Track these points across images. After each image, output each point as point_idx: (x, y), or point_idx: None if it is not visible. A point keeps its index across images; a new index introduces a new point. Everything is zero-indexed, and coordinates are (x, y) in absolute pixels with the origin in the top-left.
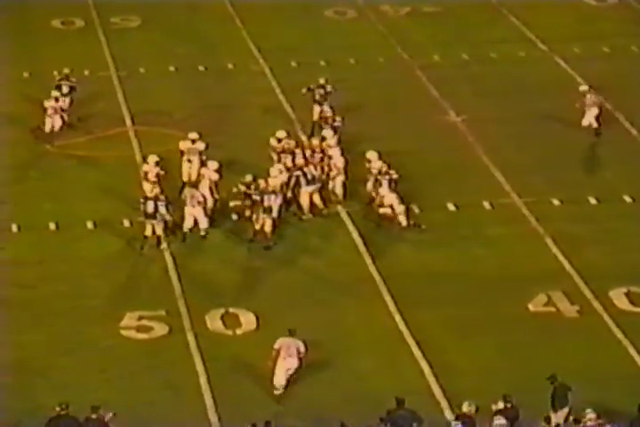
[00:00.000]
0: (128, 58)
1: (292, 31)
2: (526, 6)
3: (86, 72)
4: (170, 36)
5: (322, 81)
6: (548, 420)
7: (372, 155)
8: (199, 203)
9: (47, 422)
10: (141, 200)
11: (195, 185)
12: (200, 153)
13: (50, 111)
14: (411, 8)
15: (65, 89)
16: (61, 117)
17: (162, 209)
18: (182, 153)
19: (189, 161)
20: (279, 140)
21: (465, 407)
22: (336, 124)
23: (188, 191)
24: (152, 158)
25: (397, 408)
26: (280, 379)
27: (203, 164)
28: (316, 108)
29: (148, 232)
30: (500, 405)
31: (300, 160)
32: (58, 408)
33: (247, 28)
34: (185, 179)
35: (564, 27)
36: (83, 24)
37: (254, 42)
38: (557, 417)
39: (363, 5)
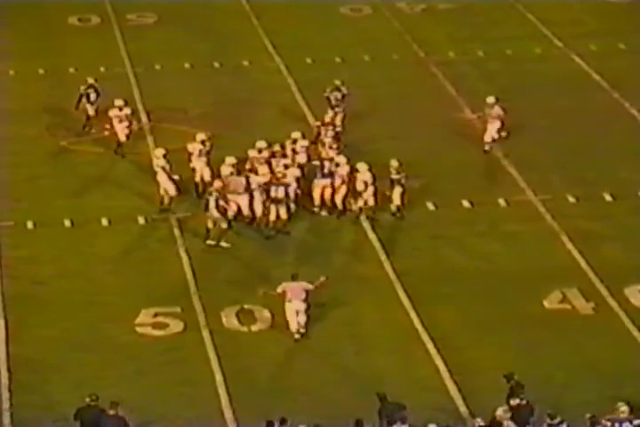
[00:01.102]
0: (144, 55)
1: (308, 28)
2: (542, 3)
3: (102, 69)
4: (185, 32)
5: (337, 82)
6: (551, 417)
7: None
8: (244, 190)
9: (76, 413)
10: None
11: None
12: (208, 153)
13: (115, 121)
14: (426, 5)
15: (92, 97)
16: (128, 126)
17: (211, 203)
18: (190, 154)
19: (194, 166)
20: (260, 151)
21: (499, 412)
22: (337, 129)
23: (231, 180)
24: (160, 151)
25: (383, 404)
26: (293, 325)
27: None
28: (330, 113)
29: (210, 225)
30: (516, 401)
31: (324, 154)
32: (88, 399)
33: (262, 24)
34: (197, 179)
35: (580, 23)
36: (99, 21)
37: (270, 39)
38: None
39: (378, 2)
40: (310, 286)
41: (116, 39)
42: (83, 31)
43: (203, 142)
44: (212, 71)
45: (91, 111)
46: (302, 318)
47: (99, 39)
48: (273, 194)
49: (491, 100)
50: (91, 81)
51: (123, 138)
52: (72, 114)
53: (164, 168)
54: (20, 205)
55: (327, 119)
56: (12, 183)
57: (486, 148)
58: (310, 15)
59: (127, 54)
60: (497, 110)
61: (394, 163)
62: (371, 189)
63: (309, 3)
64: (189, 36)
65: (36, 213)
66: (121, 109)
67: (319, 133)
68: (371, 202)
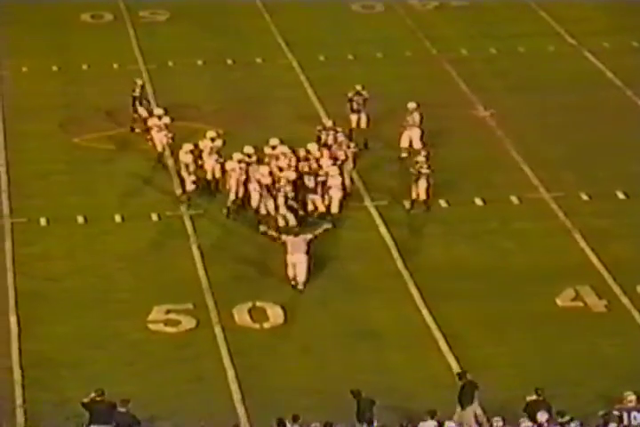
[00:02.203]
0: (157, 51)
1: (320, 25)
2: (555, 1)
3: (115, 66)
4: (198, 29)
5: (358, 87)
6: (561, 414)
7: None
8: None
9: (83, 405)
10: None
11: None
12: (219, 151)
13: (155, 129)
14: (439, 2)
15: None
16: (167, 135)
17: (280, 200)
18: (201, 152)
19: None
20: (249, 156)
21: (539, 416)
22: (338, 133)
23: (251, 170)
24: (187, 147)
25: (358, 400)
26: (290, 273)
27: (220, 161)
28: (354, 117)
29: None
30: (532, 398)
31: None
32: (93, 394)
33: (275, 21)
34: (209, 177)
35: (593, 21)
36: (112, 18)
37: (282, 36)
38: (463, 414)
39: (390, 0)
40: (310, 236)
41: (128, 36)
42: (95, 28)
43: (212, 140)
44: (225, 68)
45: (144, 113)
46: (302, 270)
47: (111, 36)
48: (306, 182)
49: (412, 105)
50: (140, 82)
51: (160, 148)
52: (85, 111)
53: (187, 165)
54: (32, 202)
55: (328, 124)
56: (25, 180)
57: (403, 154)
58: (323, 12)
59: (140, 51)
60: (415, 117)
61: (420, 158)
62: (337, 194)
63: (322, 0)
64: (202, 34)
65: (49, 210)
66: (160, 118)
67: (319, 138)
68: (334, 208)
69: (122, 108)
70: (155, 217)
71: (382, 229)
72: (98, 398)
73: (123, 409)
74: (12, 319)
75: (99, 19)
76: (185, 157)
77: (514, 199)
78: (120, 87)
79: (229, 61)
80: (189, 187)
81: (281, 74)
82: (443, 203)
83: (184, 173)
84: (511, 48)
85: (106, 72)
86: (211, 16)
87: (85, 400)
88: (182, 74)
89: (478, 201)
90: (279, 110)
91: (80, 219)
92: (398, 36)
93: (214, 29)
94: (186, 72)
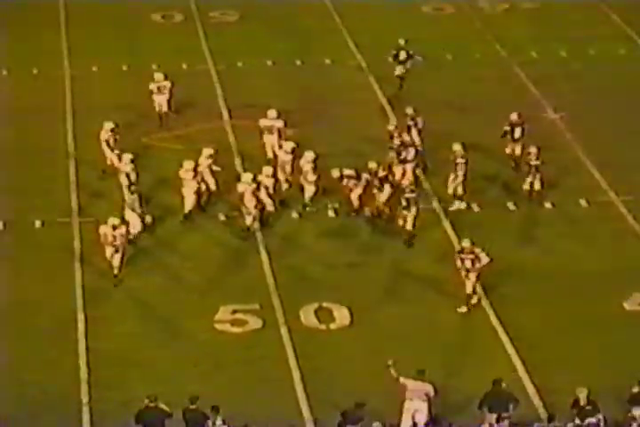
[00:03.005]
0: (226, 52)
1: (390, 26)
2: (626, 3)
3: (184, 66)
4: (268, 30)
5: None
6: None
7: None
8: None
9: (137, 415)
10: None
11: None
12: (279, 130)
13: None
14: (509, 5)
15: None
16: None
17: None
18: (261, 131)
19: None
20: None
21: (633, 411)
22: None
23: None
24: (207, 151)
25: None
26: (405, 423)
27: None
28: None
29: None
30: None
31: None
32: (146, 400)
33: (345, 23)
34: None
35: None
36: (182, 18)
37: (352, 37)
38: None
39: (461, 2)
40: (432, 394)
41: (198, 36)
42: (166, 28)
43: (210, 157)
44: (294, 69)
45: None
46: (417, 416)
47: (181, 36)
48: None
49: (410, 111)
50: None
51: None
52: (154, 110)
53: (183, 180)
54: (99, 202)
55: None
56: (93, 180)
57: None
58: (392, 14)
59: (209, 51)
60: (419, 121)
61: (456, 146)
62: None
63: (392, 2)
64: (271, 34)
65: (116, 210)
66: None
67: (391, 136)
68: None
69: (190, 107)
70: (222, 217)
71: (449, 230)
72: (150, 405)
73: (192, 407)
74: (80, 318)
75: (169, 19)
76: (185, 174)
77: (582, 202)
78: (189, 87)
79: (298, 62)
80: (213, 187)
81: (350, 75)
82: (511, 205)
83: (183, 190)
84: (581, 51)
85: (175, 72)
86: (280, 17)
87: (138, 410)
88: (251, 74)
89: (547, 204)
90: (348, 112)
91: (147, 218)
92: (468, 38)
93: (284, 30)
94: (255, 73)
